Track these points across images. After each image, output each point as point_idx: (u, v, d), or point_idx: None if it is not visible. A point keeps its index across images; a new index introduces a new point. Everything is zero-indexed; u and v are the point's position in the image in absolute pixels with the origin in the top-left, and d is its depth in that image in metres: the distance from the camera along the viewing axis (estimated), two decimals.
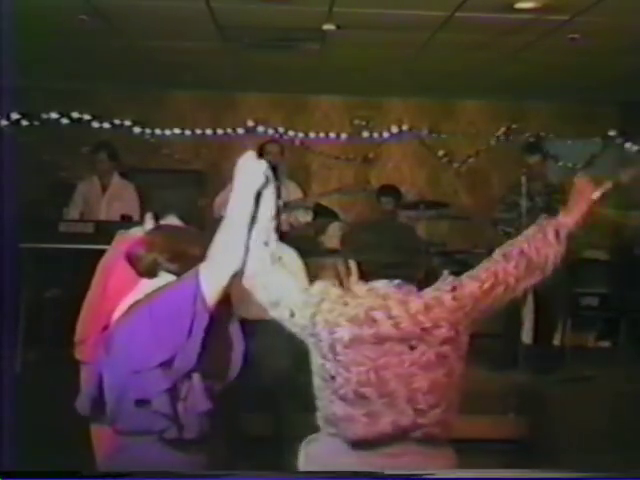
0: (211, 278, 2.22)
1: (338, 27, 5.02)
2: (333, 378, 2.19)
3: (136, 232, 3.15)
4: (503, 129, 7.67)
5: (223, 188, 6.59)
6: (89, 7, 4.72)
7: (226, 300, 2.30)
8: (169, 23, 5.13)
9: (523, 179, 5.74)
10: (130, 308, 2.33)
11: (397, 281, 2.28)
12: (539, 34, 5.12)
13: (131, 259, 2.45)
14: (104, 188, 6.14)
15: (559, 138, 7.74)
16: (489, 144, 7.69)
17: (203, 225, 3.16)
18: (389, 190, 6.76)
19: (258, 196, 2.36)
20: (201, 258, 2.28)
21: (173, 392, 2.21)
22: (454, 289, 2.28)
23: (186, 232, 2.73)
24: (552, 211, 5.73)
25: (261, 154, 6.40)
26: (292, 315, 2.24)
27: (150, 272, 2.41)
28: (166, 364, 2.19)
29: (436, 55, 5.82)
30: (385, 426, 2.16)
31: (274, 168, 7.22)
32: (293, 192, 6.18)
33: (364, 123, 7.81)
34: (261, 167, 2.42)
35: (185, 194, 3.64)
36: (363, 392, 2.16)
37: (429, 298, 2.26)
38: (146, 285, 2.41)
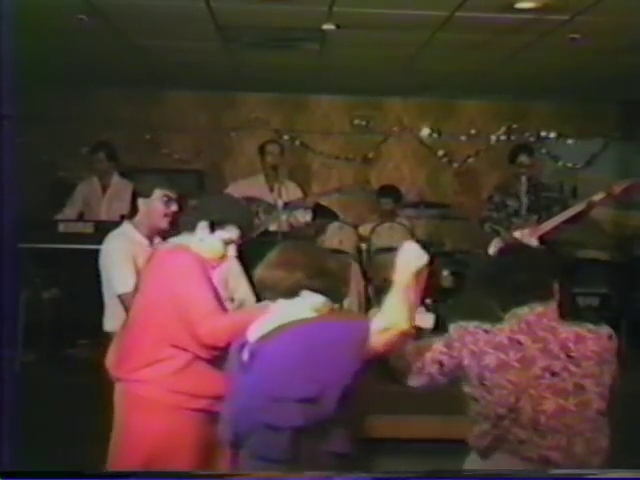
0: (382, 331, 2.21)
1: (338, 27, 5.02)
2: (477, 401, 2.34)
3: (185, 242, 3.00)
4: (503, 129, 7.68)
5: (223, 188, 6.63)
6: (88, 7, 4.71)
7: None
8: (169, 23, 5.12)
9: (510, 179, 5.80)
10: (279, 330, 2.27)
11: (535, 305, 2.37)
12: (539, 34, 5.11)
13: (264, 282, 2.39)
14: (104, 188, 6.14)
15: (559, 138, 7.75)
16: (489, 144, 7.71)
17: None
18: (389, 190, 6.76)
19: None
20: (337, 272, 2.36)
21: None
22: (611, 337, 2.42)
23: (313, 247, 2.69)
24: (540, 211, 5.82)
25: (262, 154, 6.42)
26: (441, 366, 2.38)
27: (292, 292, 2.35)
28: (308, 401, 2.16)
29: (436, 55, 5.82)
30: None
31: (274, 168, 7.23)
32: (293, 192, 6.16)
33: (364, 123, 7.82)
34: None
35: (240, 202, 3.43)
36: (500, 412, 2.29)
37: (584, 330, 2.36)
38: (285, 306, 2.36)
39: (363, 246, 6.30)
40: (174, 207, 3.61)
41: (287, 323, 2.28)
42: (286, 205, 5.82)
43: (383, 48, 5.68)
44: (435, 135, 7.82)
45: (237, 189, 6.48)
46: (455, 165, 7.86)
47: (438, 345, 2.41)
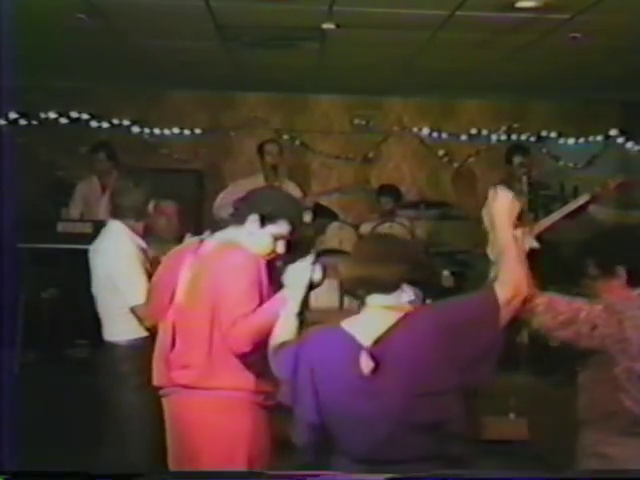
0: (508, 302, 2.17)
1: (338, 26, 5.01)
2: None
3: (233, 235, 2.87)
4: (504, 128, 7.68)
5: (223, 188, 6.62)
6: (88, 6, 4.71)
7: None
8: (168, 22, 5.11)
9: (510, 178, 5.81)
10: (402, 322, 2.15)
11: None
12: (540, 33, 5.11)
13: (360, 277, 2.24)
14: (103, 188, 6.13)
15: (560, 137, 7.75)
16: (490, 143, 7.70)
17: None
18: (389, 190, 6.76)
19: None
20: (430, 264, 2.32)
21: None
22: None
23: (403, 238, 2.60)
24: (536, 210, 5.82)
25: (261, 154, 6.41)
26: (594, 328, 2.35)
27: (394, 286, 2.21)
28: (452, 390, 2.09)
29: (436, 54, 5.81)
30: None
31: (273, 168, 7.23)
32: (292, 192, 6.15)
33: (364, 122, 7.81)
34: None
35: (291, 196, 3.28)
36: None
37: None
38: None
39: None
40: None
41: (409, 315, 2.17)
42: None
43: (383, 47, 5.68)
44: (435, 135, 7.81)
45: (236, 189, 6.47)
46: (455, 165, 7.85)
47: (596, 306, 2.39)
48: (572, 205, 5.57)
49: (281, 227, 2.86)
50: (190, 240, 3.20)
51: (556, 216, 5.60)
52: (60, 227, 5.42)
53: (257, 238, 2.84)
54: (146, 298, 3.22)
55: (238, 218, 2.90)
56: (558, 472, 2.26)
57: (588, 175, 7.41)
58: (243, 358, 2.71)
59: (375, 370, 2.09)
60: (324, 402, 2.17)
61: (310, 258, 2.65)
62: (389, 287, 2.20)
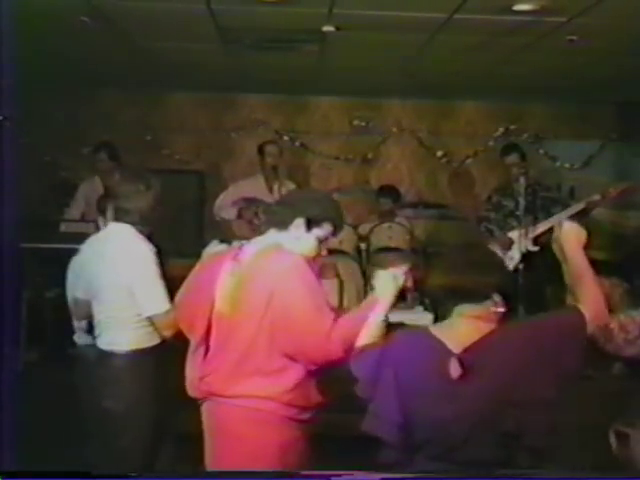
0: (590, 322, 2.25)
1: (338, 29, 5.03)
2: None
3: (276, 240, 2.80)
4: (502, 130, 7.71)
5: (224, 189, 6.66)
6: (90, 9, 4.74)
7: None
8: (170, 25, 5.14)
9: (510, 179, 5.85)
10: (493, 334, 2.23)
11: None
12: (537, 36, 5.13)
13: (453, 287, 2.30)
14: (106, 188, 6.15)
15: (557, 139, 7.78)
16: (487, 145, 7.73)
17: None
18: (388, 190, 6.79)
19: None
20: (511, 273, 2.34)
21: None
22: None
23: (484, 246, 2.63)
24: (537, 211, 5.84)
25: (261, 155, 6.45)
26: None
27: (484, 296, 2.29)
28: (545, 400, 2.17)
29: (435, 56, 5.84)
30: None
31: (274, 168, 7.24)
32: None
33: (364, 124, 7.85)
34: None
35: (330, 197, 3.18)
36: None
37: None
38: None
39: (362, 246, 6.33)
40: None
41: (500, 328, 2.25)
42: None
43: (382, 50, 5.70)
44: (433, 136, 7.84)
45: (236, 190, 6.51)
46: (454, 165, 7.89)
47: None
48: (571, 210, 5.59)
49: (325, 230, 2.83)
50: (221, 247, 3.13)
51: (555, 220, 5.62)
52: (63, 227, 5.45)
53: (304, 242, 2.80)
54: (172, 306, 3.12)
55: (280, 223, 2.82)
56: (557, 472, 2.27)
57: (585, 176, 7.46)
58: (332, 365, 2.66)
59: (462, 376, 2.18)
60: (407, 401, 2.24)
61: (404, 266, 2.67)
62: (479, 296, 2.28)
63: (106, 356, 3.38)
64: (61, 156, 7.31)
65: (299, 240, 2.79)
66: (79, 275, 3.55)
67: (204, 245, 3.47)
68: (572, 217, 5.52)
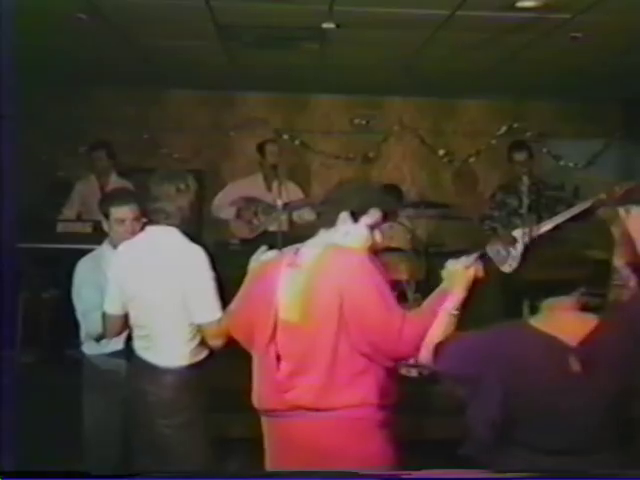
0: None
1: (338, 26, 5.01)
2: None
3: (326, 240, 2.73)
4: (504, 128, 7.67)
5: (223, 188, 6.62)
6: (88, 6, 4.70)
7: None
8: (168, 22, 5.11)
9: (514, 178, 5.82)
10: (602, 325, 2.27)
11: None
12: (540, 33, 5.10)
13: (537, 281, 2.35)
14: (102, 187, 6.13)
15: (560, 137, 7.75)
16: (490, 143, 7.70)
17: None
18: (390, 189, 6.75)
19: None
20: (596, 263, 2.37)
21: None
22: None
23: (568, 239, 2.62)
24: (541, 210, 5.81)
25: (261, 154, 6.41)
26: None
27: (570, 290, 2.35)
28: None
29: (437, 54, 5.81)
30: None
31: (273, 167, 7.18)
32: (292, 192, 6.15)
33: (364, 122, 7.81)
34: None
35: (368, 184, 3.18)
36: None
37: None
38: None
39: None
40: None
41: (607, 318, 2.30)
42: (286, 205, 5.81)
43: (383, 47, 5.67)
44: (435, 134, 7.81)
45: (235, 189, 6.48)
46: (456, 164, 7.86)
47: None
48: (576, 209, 5.56)
49: (374, 216, 2.76)
50: (270, 253, 2.99)
51: (559, 219, 5.59)
52: (60, 227, 5.42)
53: (354, 234, 2.73)
54: (226, 314, 3.01)
55: (325, 222, 2.79)
56: (557, 472, 2.24)
57: (589, 175, 7.42)
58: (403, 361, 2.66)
59: (582, 369, 2.21)
60: (514, 397, 2.25)
61: (474, 256, 2.64)
62: (569, 289, 2.32)
63: (160, 372, 3.15)
64: (58, 155, 7.27)
65: (349, 234, 2.73)
66: (109, 288, 3.27)
67: (203, 244, 3.37)
68: (577, 216, 5.49)
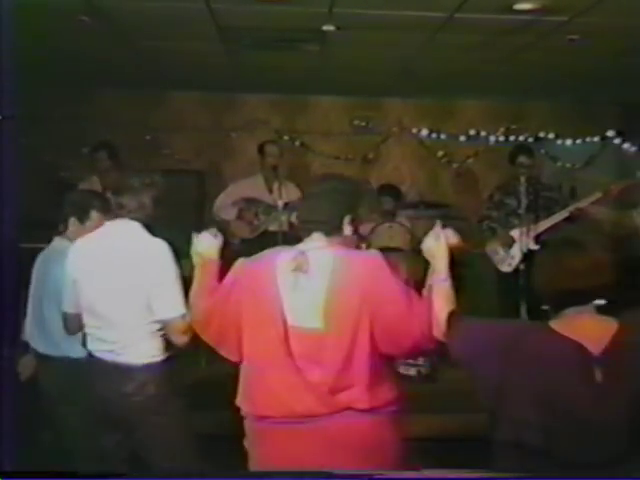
0: None
1: (338, 28, 5.02)
2: None
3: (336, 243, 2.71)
4: (502, 129, 7.70)
5: (224, 189, 6.65)
6: (89, 8, 4.73)
7: None
8: (169, 24, 5.13)
9: (512, 178, 5.85)
10: (622, 332, 2.25)
11: None
12: (538, 35, 5.13)
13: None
14: (104, 188, 6.14)
15: (558, 138, 7.77)
16: (488, 144, 7.72)
17: None
18: (389, 189, 6.78)
19: None
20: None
21: None
22: None
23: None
24: (538, 210, 5.83)
25: (261, 154, 6.43)
26: None
27: (596, 296, 2.36)
28: None
29: (436, 55, 5.83)
30: None
31: (274, 168, 7.21)
32: (292, 193, 6.17)
33: (364, 123, 7.84)
34: None
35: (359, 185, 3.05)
36: None
37: None
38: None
39: (363, 246, 6.30)
40: None
41: (626, 325, 2.28)
42: (286, 205, 5.83)
43: (383, 49, 5.70)
44: (434, 135, 7.84)
45: (236, 190, 6.50)
46: (454, 165, 7.88)
47: None
48: (574, 207, 5.59)
49: (348, 228, 2.73)
50: (211, 238, 2.95)
51: (556, 218, 5.62)
52: (62, 227, 5.41)
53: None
54: (191, 311, 2.90)
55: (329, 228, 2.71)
56: (556, 472, 2.25)
57: (586, 176, 7.44)
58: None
59: (605, 377, 2.19)
60: (545, 403, 2.21)
61: (438, 224, 2.71)
62: (591, 296, 2.31)
63: (123, 370, 3.10)
64: (60, 156, 7.29)
65: (355, 236, 2.77)
66: (66, 288, 3.26)
67: None
68: (573, 215, 5.52)
